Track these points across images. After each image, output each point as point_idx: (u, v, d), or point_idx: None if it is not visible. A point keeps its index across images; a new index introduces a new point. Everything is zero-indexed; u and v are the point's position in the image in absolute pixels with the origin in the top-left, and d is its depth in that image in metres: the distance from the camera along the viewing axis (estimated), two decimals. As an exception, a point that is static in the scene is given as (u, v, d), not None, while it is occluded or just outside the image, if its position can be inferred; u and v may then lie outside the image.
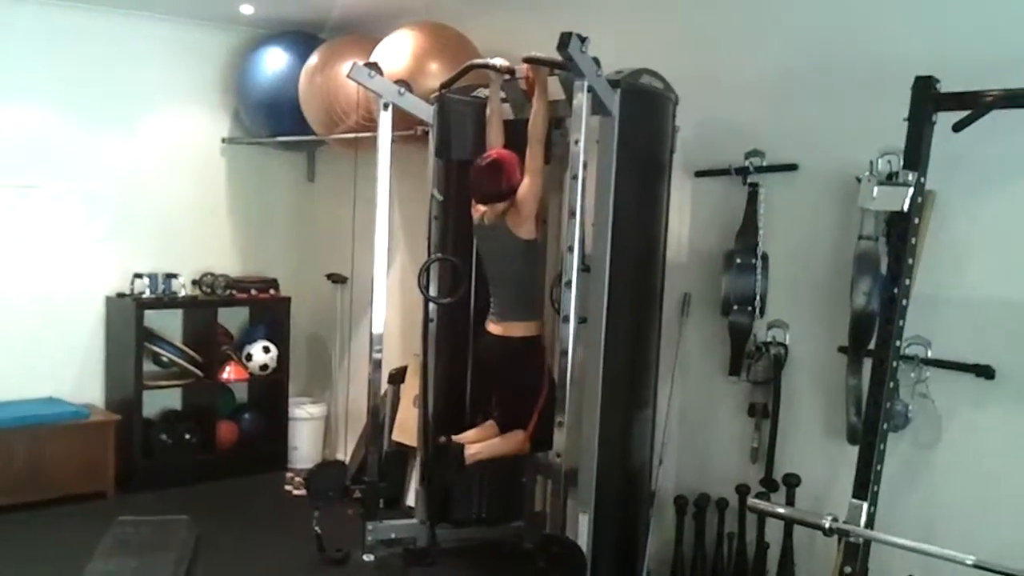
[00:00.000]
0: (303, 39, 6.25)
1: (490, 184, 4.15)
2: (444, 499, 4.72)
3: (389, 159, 4.59)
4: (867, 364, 3.61)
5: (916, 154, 3.02)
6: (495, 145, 4.32)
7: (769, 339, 4.17)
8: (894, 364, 3.09)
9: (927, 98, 3.03)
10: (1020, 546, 3.39)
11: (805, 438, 4.10)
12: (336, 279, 6.55)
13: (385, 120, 4.57)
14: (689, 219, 4.53)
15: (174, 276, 6.25)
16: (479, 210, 4.30)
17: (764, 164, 4.17)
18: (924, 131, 3.02)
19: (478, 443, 4.35)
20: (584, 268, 3.78)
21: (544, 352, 4.32)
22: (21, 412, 5.67)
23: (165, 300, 6.20)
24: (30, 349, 5.99)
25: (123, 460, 5.91)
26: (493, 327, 4.34)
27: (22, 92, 5.88)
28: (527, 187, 4.09)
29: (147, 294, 6.13)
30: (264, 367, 6.47)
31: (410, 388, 5.73)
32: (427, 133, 4.74)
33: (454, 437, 4.37)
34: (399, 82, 4.62)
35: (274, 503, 5.97)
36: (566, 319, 3.69)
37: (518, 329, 4.27)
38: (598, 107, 3.71)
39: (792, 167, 4.09)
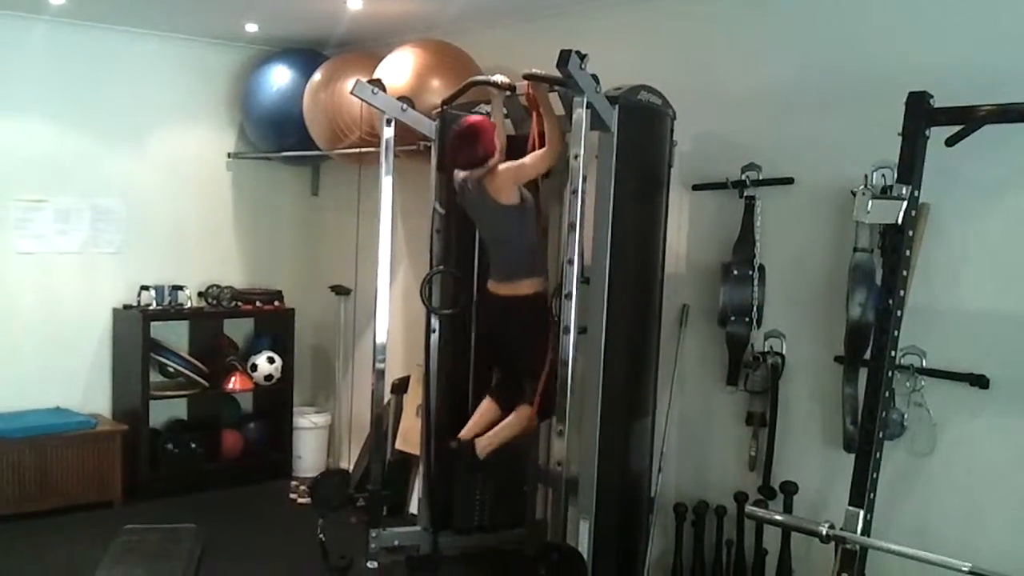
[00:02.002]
0: (307, 56, 6.32)
1: (466, 150, 4.14)
2: (446, 507, 4.76)
3: (392, 173, 4.64)
4: (863, 374, 3.63)
5: (910, 168, 3.07)
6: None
7: (766, 349, 4.22)
8: (889, 374, 3.13)
9: (920, 113, 3.09)
10: (1015, 553, 3.44)
11: (802, 446, 4.15)
12: (340, 291, 6.60)
13: (388, 135, 4.63)
14: (687, 232, 4.58)
15: (180, 288, 6.31)
16: (460, 176, 4.29)
17: (760, 178, 4.21)
18: (918, 145, 3.08)
19: (486, 434, 4.32)
20: (584, 280, 3.82)
21: (549, 310, 4.24)
22: (29, 422, 5.72)
23: (171, 311, 6.26)
24: (38, 360, 6.04)
25: (130, 469, 5.96)
26: (494, 287, 4.30)
27: (31, 108, 5.95)
28: (519, 163, 4.08)
29: (154, 306, 6.19)
30: (269, 377, 6.52)
31: (413, 398, 5.77)
32: (429, 148, 4.79)
33: (460, 435, 4.36)
34: (402, 98, 4.68)
35: (279, 511, 6.01)
36: (566, 330, 3.74)
37: (518, 288, 4.21)
38: (597, 123, 3.75)
39: (788, 180, 4.15)
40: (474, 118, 4.24)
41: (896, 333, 3.12)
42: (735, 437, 4.39)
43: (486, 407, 4.44)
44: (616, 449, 4.01)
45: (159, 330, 6.21)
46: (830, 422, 4.01)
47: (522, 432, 4.32)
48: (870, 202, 3.15)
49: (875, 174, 3.62)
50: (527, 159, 4.09)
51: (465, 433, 4.38)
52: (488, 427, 4.36)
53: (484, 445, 4.29)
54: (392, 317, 4.93)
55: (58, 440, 5.71)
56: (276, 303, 6.71)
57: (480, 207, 4.23)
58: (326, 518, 4.77)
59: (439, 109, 4.67)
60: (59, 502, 5.66)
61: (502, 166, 4.12)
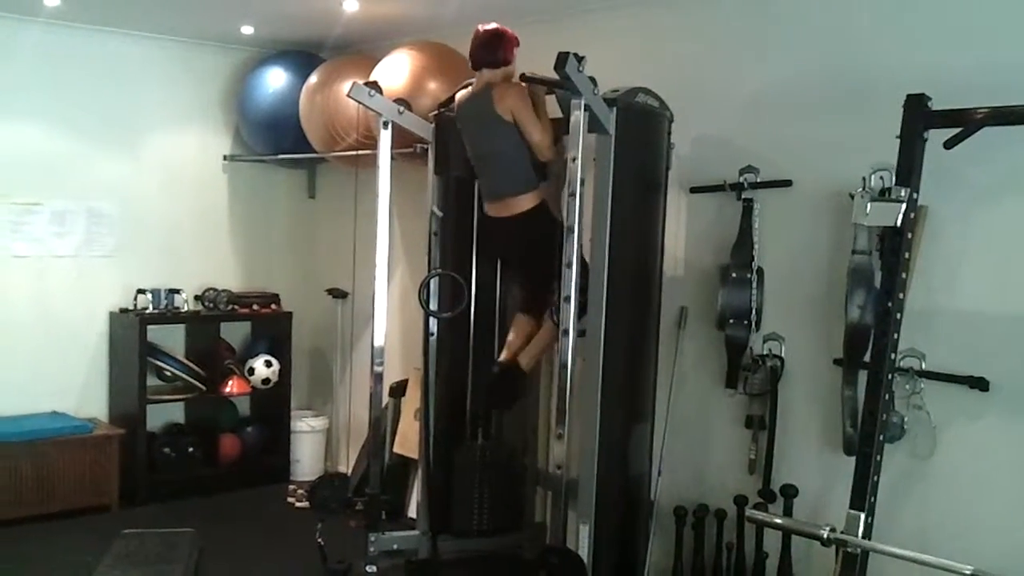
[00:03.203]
0: (303, 58, 6.31)
1: (488, 48, 4.16)
2: (445, 510, 4.75)
3: (389, 176, 4.62)
4: (862, 376, 3.63)
5: (908, 170, 3.08)
6: None
7: (765, 352, 4.22)
8: (889, 376, 3.13)
9: (919, 116, 3.09)
10: (1016, 555, 3.44)
11: (802, 449, 4.15)
12: (337, 294, 6.59)
13: (385, 138, 4.61)
14: (685, 234, 4.58)
15: (177, 291, 6.30)
16: (463, 94, 4.31)
17: (758, 180, 4.21)
18: (916, 148, 3.08)
19: (525, 349, 4.35)
20: (582, 283, 3.81)
21: (553, 217, 4.16)
22: (26, 427, 5.71)
23: (168, 315, 6.25)
24: (35, 364, 6.03)
25: (127, 474, 5.95)
26: (492, 209, 4.28)
27: (25, 111, 5.95)
28: (526, 104, 4.07)
29: (150, 309, 6.18)
30: (266, 381, 6.52)
31: (411, 401, 5.77)
32: (426, 151, 4.78)
33: (501, 358, 4.40)
34: (399, 101, 4.67)
35: (277, 515, 6.01)
36: (565, 333, 3.73)
37: (517, 204, 4.16)
38: (595, 125, 3.75)
39: (786, 183, 4.14)
40: (499, 25, 4.23)
41: (895, 335, 3.12)
42: (735, 440, 4.38)
43: (520, 323, 4.45)
44: (616, 452, 4.00)
45: (156, 334, 6.20)
46: (830, 425, 4.01)
47: (556, 343, 4.26)
48: (869, 204, 3.15)
49: (873, 176, 3.61)
50: (536, 118, 4.08)
51: (506, 355, 4.41)
52: (526, 341, 4.39)
53: (527, 361, 4.36)
54: (390, 320, 4.91)
55: (55, 444, 5.70)
56: (273, 306, 6.70)
57: (478, 117, 4.19)
58: (324, 522, 4.76)
59: (436, 111, 4.66)
60: (56, 507, 5.66)
61: (515, 89, 4.10)
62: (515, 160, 4.14)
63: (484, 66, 4.19)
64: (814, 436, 4.10)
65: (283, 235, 7.09)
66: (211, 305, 6.43)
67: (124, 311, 6.21)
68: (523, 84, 4.11)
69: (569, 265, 3.73)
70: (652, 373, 4.27)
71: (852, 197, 3.58)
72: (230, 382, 6.45)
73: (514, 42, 4.19)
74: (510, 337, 4.46)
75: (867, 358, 3.42)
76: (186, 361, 6.38)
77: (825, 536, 2.97)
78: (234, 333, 6.76)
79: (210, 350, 6.50)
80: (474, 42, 4.23)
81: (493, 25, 4.22)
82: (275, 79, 6.25)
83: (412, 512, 5.55)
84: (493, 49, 4.16)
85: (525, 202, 4.16)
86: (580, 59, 3.55)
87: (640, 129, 3.99)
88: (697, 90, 4.45)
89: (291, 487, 6.43)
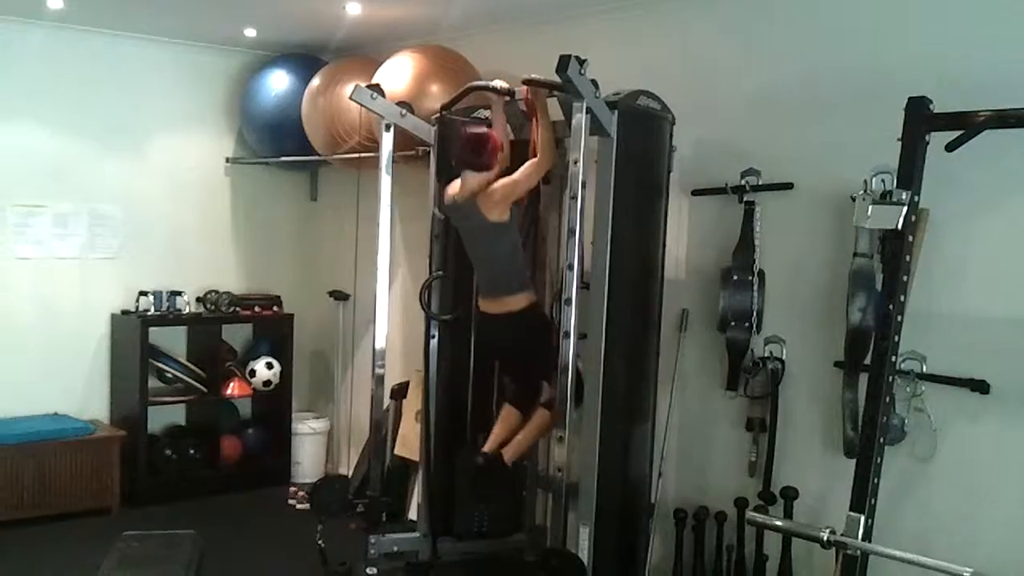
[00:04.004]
0: (306, 61, 6.33)
1: (474, 153, 4.14)
2: (446, 513, 4.75)
3: (391, 179, 4.64)
4: (863, 379, 3.63)
5: (910, 173, 3.08)
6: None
7: (766, 354, 4.22)
8: (890, 379, 3.13)
9: (920, 118, 3.10)
10: (1016, 558, 3.44)
11: (802, 452, 4.14)
12: (338, 296, 6.60)
13: (387, 141, 4.62)
14: (687, 237, 4.58)
15: (179, 293, 6.31)
16: (451, 192, 4.30)
17: (760, 183, 4.22)
18: (917, 151, 3.08)
19: (511, 442, 4.33)
20: (584, 286, 3.82)
21: (544, 317, 4.30)
22: (27, 428, 5.72)
23: (170, 317, 6.26)
24: (36, 366, 6.04)
25: (128, 475, 5.96)
26: (486, 306, 4.32)
27: (30, 114, 5.96)
28: (512, 180, 4.08)
29: (152, 311, 6.19)
30: (267, 383, 6.52)
31: (412, 403, 5.77)
32: (428, 153, 4.78)
33: (486, 448, 4.37)
34: (401, 103, 4.68)
35: (278, 517, 6.01)
36: (566, 335, 3.74)
37: (510, 304, 4.21)
38: (596, 128, 3.76)
39: (788, 186, 4.15)
40: (490, 130, 4.26)
41: (896, 338, 3.12)
42: (735, 442, 4.38)
43: (507, 414, 4.45)
44: (616, 454, 4.01)
45: (157, 336, 6.21)
46: (830, 427, 4.01)
47: (544, 434, 4.33)
48: (870, 207, 3.16)
49: (875, 179, 3.62)
50: (518, 175, 4.09)
51: (490, 445, 4.38)
52: (512, 434, 4.37)
53: (511, 455, 4.32)
54: (391, 322, 4.92)
55: (56, 446, 5.71)
56: (275, 308, 6.71)
57: (469, 224, 4.25)
58: (325, 524, 4.75)
59: (438, 114, 4.67)
60: (57, 508, 5.67)
61: (496, 184, 4.12)
62: (509, 263, 4.22)
63: (468, 168, 4.18)
64: (815, 438, 4.10)
65: (285, 237, 7.09)
66: (213, 307, 6.44)
67: (126, 313, 6.22)
68: (499, 181, 4.11)
69: (571, 267, 3.73)
70: (653, 375, 4.27)
71: (853, 200, 3.59)
72: (231, 384, 6.46)
73: (498, 147, 4.18)
74: (496, 427, 4.44)
75: (868, 360, 3.42)
76: (187, 363, 6.39)
77: (825, 538, 2.96)
78: (235, 335, 6.76)
79: (211, 352, 6.51)
80: (460, 142, 4.23)
81: (482, 129, 4.24)
82: (278, 82, 6.26)
83: (413, 514, 5.55)
84: (479, 153, 4.14)
85: (517, 302, 4.21)
86: (582, 62, 3.56)
87: (642, 132, 4.00)
88: (698, 93, 4.46)
89: (292, 489, 6.42)
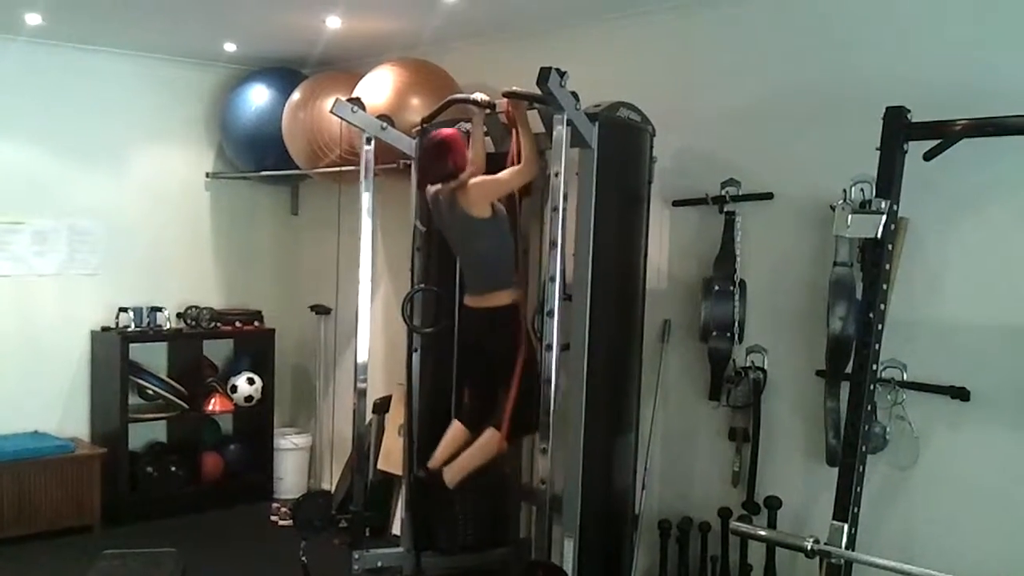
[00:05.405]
0: (286, 75, 6.31)
1: (437, 163, 4.14)
2: (430, 527, 4.73)
3: (372, 192, 4.63)
4: (845, 387, 3.67)
5: (888, 182, 3.10)
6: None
7: (748, 364, 4.23)
8: (871, 387, 3.15)
9: (898, 127, 3.12)
10: (998, 564, 3.45)
11: (785, 461, 4.16)
12: (320, 310, 6.57)
13: (368, 154, 4.62)
14: (668, 247, 4.59)
15: (159, 309, 6.27)
16: (432, 188, 4.28)
17: (740, 193, 4.24)
18: (896, 160, 3.10)
19: (454, 461, 4.23)
20: (566, 297, 3.82)
21: (519, 322, 4.19)
22: (6, 447, 5.67)
23: (150, 333, 6.22)
24: (15, 383, 5.98)
25: (109, 493, 5.90)
26: (469, 301, 4.29)
27: (6, 129, 5.92)
28: (495, 178, 4.07)
29: (132, 327, 6.15)
30: (249, 398, 6.49)
31: (395, 417, 5.75)
32: (409, 166, 4.79)
33: (429, 464, 4.33)
34: (381, 117, 4.67)
35: (260, 534, 5.97)
36: (549, 347, 3.73)
37: (492, 300, 4.17)
38: (577, 140, 3.77)
39: (768, 196, 4.17)
40: (445, 131, 4.23)
41: (877, 347, 3.14)
42: (718, 452, 4.39)
43: (455, 431, 4.37)
44: (600, 466, 4.00)
45: (138, 352, 6.17)
46: (813, 436, 4.02)
47: (491, 457, 4.23)
48: (849, 216, 3.17)
49: (854, 188, 3.63)
50: (503, 174, 4.09)
51: (434, 462, 4.32)
52: (458, 452, 4.28)
53: (452, 475, 4.22)
54: (373, 336, 4.91)
55: (36, 464, 5.65)
56: (256, 323, 6.68)
57: (452, 221, 4.21)
58: (308, 540, 4.73)
59: (419, 127, 4.67)
60: (37, 527, 5.61)
61: (476, 179, 4.11)
62: (496, 259, 4.18)
63: (438, 181, 4.17)
64: (797, 448, 4.12)
65: (266, 252, 7.07)
66: (193, 323, 6.40)
67: (106, 329, 6.18)
68: (481, 177, 4.11)
69: (553, 279, 3.74)
70: (636, 386, 4.28)
71: (833, 209, 3.60)
72: (213, 400, 6.42)
73: (460, 145, 4.14)
74: (443, 443, 4.36)
75: (849, 369, 3.43)
76: (168, 379, 6.34)
77: (809, 547, 2.97)
78: (217, 351, 6.73)
79: (192, 368, 6.48)
80: (423, 156, 4.23)
81: (438, 136, 4.18)
82: (258, 96, 6.25)
83: (396, 529, 5.53)
84: (443, 161, 4.12)
85: (501, 298, 4.17)
86: (562, 74, 3.57)
87: (622, 143, 4.02)
88: (678, 104, 4.48)
89: (274, 505, 6.39)
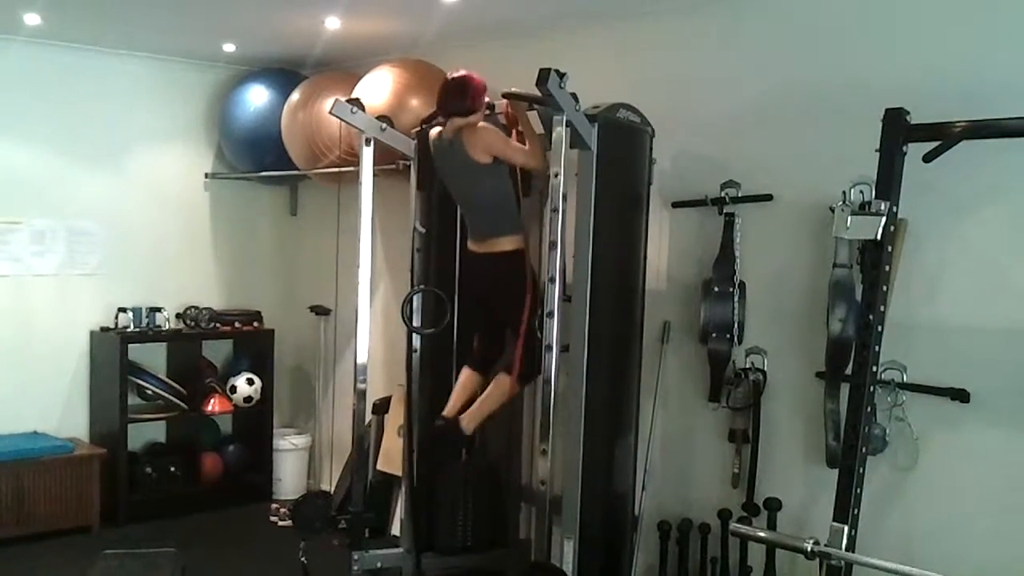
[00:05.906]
0: (285, 76, 6.31)
1: (455, 97, 4.12)
2: (429, 528, 4.73)
3: (371, 193, 4.63)
4: (844, 389, 3.66)
5: (888, 184, 3.10)
6: None
7: (748, 365, 4.23)
8: (871, 389, 3.15)
9: (898, 129, 3.12)
10: (999, 565, 3.45)
11: (785, 463, 4.16)
12: (319, 311, 6.57)
13: (367, 155, 4.62)
14: (667, 249, 4.59)
15: (158, 310, 6.26)
16: (436, 131, 4.28)
17: (740, 195, 4.24)
18: (895, 161, 3.11)
19: (469, 409, 4.27)
20: (565, 298, 3.82)
21: (526, 267, 4.20)
22: (5, 447, 5.66)
23: (149, 334, 6.21)
24: (14, 384, 5.98)
25: (108, 493, 5.90)
26: (473, 246, 4.28)
27: (6, 129, 5.92)
28: (505, 139, 4.08)
29: (131, 328, 6.14)
30: (248, 399, 6.48)
31: (394, 418, 5.75)
32: (409, 167, 4.78)
33: (444, 413, 4.33)
34: (381, 118, 4.67)
35: (260, 534, 5.97)
36: (549, 348, 3.73)
37: (498, 244, 4.17)
38: (577, 141, 3.77)
39: (767, 197, 4.17)
40: (470, 73, 4.22)
41: (877, 348, 3.14)
42: (718, 454, 4.39)
43: (466, 378, 4.40)
44: (599, 467, 4.01)
45: (137, 352, 6.16)
46: (812, 438, 4.02)
47: (504, 401, 4.27)
48: (849, 218, 3.18)
49: (853, 190, 3.63)
50: (513, 143, 4.09)
51: (449, 410, 4.34)
52: (471, 399, 4.32)
53: (468, 420, 4.26)
54: (373, 337, 4.90)
55: (35, 465, 5.65)
56: (255, 324, 6.67)
57: (453, 164, 4.20)
58: (308, 541, 4.73)
59: (418, 128, 4.66)
60: (36, 528, 5.61)
61: (489, 127, 4.10)
62: (499, 203, 4.17)
63: (452, 115, 4.15)
64: (797, 449, 4.12)
65: (265, 252, 7.07)
66: (193, 323, 6.40)
67: (105, 330, 6.18)
68: (488, 125, 4.11)
69: (552, 280, 3.73)
70: (635, 388, 4.28)
71: (832, 211, 3.60)
72: (212, 400, 6.41)
73: (481, 88, 4.15)
74: (455, 392, 4.40)
75: (849, 371, 3.43)
76: (167, 380, 6.34)
77: (809, 549, 2.97)
78: (216, 351, 6.73)
79: (192, 368, 6.48)
80: (442, 90, 4.21)
81: (461, 72, 4.20)
82: (257, 96, 6.24)
83: (396, 530, 5.53)
84: (461, 97, 4.12)
85: (506, 243, 4.17)
86: (562, 75, 3.57)
87: (622, 144, 4.02)
88: (678, 105, 4.48)
89: (274, 506, 6.39)
